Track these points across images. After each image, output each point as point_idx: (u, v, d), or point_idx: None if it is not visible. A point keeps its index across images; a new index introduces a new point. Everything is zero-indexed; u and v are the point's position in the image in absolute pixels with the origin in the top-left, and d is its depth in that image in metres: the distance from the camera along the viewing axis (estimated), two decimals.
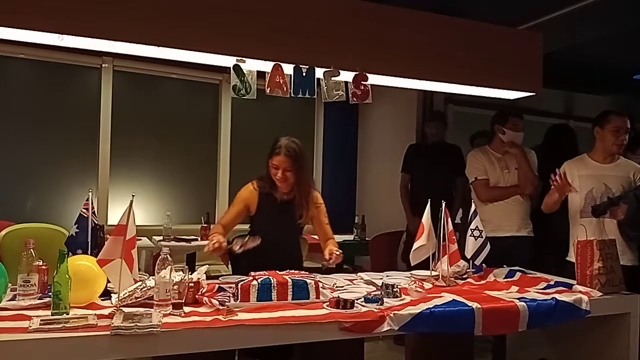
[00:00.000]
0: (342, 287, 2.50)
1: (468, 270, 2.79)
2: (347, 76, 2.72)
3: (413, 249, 2.64)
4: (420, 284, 2.39)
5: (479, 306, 2.16)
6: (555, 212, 3.08)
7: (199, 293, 2.08)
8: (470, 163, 3.50)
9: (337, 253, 2.54)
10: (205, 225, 4.32)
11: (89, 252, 2.23)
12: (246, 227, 2.80)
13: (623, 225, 2.89)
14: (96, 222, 2.35)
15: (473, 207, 2.86)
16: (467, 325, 2.14)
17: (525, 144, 3.49)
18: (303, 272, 2.35)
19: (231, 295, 2.11)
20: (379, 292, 2.26)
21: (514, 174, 3.39)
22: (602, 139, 3.01)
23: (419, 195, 4.14)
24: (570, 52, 4.48)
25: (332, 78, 2.70)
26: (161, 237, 4.16)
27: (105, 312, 1.88)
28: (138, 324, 1.70)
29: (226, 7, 2.49)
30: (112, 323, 1.71)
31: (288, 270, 2.31)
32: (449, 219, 2.69)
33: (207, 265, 2.32)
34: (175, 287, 1.92)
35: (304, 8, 2.66)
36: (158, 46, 2.39)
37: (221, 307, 1.96)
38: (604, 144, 3.00)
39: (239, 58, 2.54)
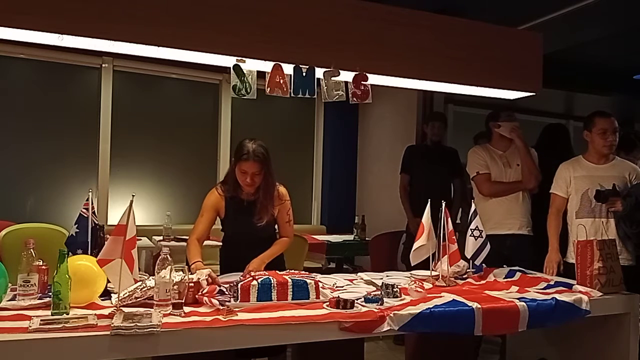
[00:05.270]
0: (342, 287, 2.50)
1: (468, 270, 2.79)
2: (347, 76, 2.72)
3: (413, 249, 2.64)
4: (420, 284, 2.39)
5: (479, 306, 2.16)
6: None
7: (199, 293, 2.08)
8: (471, 158, 3.48)
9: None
10: None
11: (89, 252, 2.23)
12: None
13: (619, 221, 2.90)
14: (96, 222, 2.35)
15: (473, 207, 2.86)
16: (467, 325, 2.14)
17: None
18: (303, 272, 2.34)
19: (231, 295, 2.11)
20: (379, 292, 2.26)
21: (515, 171, 3.38)
22: (592, 141, 3.03)
23: (418, 195, 4.15)
24: (570, 52, 4.49)
25: (332, 78, 2.70)
26: (161, 237, 4.16)
27: (105, 312, 1.88)
28: (138, 324, 1.70)
29: (226, 7, 2.49)
30: (112, 323, 1.71)
31: (288, 270, 2.31)
32: (449, 219, 2.69)
33: (209, 270, 2.30)
34: (175, 287, 1.92)
35: (304, 8, 2.65)
36: (158, 46, 2.39)
37: (221, 307, 1.96)
38: (594, 147, 3.03)
39: (239, 58, 2.54)
